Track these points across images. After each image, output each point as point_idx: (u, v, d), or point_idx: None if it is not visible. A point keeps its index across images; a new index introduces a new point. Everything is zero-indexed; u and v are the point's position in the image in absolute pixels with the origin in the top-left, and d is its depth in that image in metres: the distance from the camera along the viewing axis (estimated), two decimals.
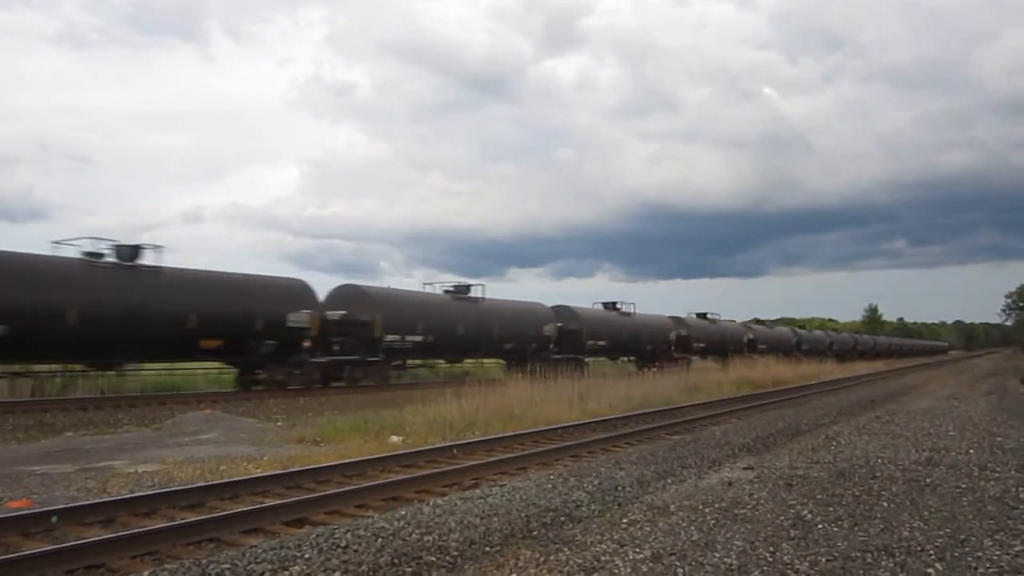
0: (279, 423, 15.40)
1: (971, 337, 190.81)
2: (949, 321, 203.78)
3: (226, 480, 8.45)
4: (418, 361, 28.75)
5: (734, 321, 50.90)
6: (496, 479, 8.89)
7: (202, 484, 8.18)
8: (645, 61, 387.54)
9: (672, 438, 12.76)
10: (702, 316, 47.05)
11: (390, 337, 24.70)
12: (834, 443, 10.89)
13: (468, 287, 30.14)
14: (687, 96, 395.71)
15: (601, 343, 36.91)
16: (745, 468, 9.01)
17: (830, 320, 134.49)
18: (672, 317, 42.64)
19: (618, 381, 22.48)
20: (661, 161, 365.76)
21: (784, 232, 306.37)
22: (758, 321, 73.71)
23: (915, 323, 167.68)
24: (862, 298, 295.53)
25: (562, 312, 35.04)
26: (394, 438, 12.55)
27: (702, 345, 44.27)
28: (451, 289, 29.96)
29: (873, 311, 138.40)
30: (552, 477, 8.23)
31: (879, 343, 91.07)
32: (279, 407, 18.12)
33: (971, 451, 9.88)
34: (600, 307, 39.56)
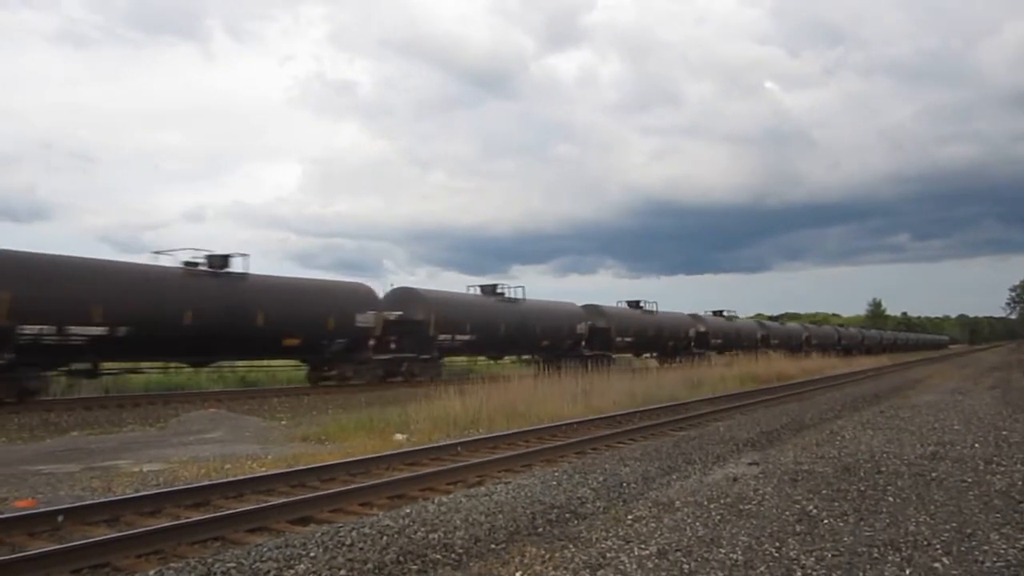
0: (283, 422, 15.42)
1: (975, 331, 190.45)
2: (953, 315, 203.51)
3: (231, 479, 8.46)
4: (463, 358, 31.23)
5: (741, 317, 54.17)
6: (501, 476, 8.89)
7: (207, 483, 8.19)
8: (646, 56, 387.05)
9: (676, 434, 12.75)
10: (718, 313, 49.37)
11: (442, 336, 26.80)
12: (839, 438, 10.86)
13: (495, 287, 32.06)
14: (689, 91, 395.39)
15: (628, 340, 39.19)
16: (750, 463, 8.99)
17: (833, 315, 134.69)
18: (691, 315, 44.72)
19: (622, 377, 22.48)
20: (663, 156, 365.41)
21: (787, 227, 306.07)
22: (771, 318, 75.11)
23: (919, 317, 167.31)
24: (865, 292, 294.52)
25: (592, 311, 37.36)
26: (398, 436, 12.55)
27: (719, 341, 46.12)
28: (492, 290, 31.71)
29: (877, 305, 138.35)
30: (557, 474, 8.22)
31: (884, 338, 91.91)
32: (283, 406, 18.14)
33: (976, 445, 9.85)
34: (625, 305, 41.69)
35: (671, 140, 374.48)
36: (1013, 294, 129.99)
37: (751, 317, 64.58)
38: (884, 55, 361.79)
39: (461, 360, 31.44)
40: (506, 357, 33.24)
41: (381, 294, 26.69)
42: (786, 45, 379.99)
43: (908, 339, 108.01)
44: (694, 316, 43.40)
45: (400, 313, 25.78)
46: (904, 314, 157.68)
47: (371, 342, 24.33)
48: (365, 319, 23.98)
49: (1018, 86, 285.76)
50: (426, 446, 11.00)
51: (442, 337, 26.76)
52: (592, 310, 36.79)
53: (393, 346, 25.25)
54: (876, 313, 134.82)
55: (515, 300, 31.93)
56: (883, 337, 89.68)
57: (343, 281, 25.89)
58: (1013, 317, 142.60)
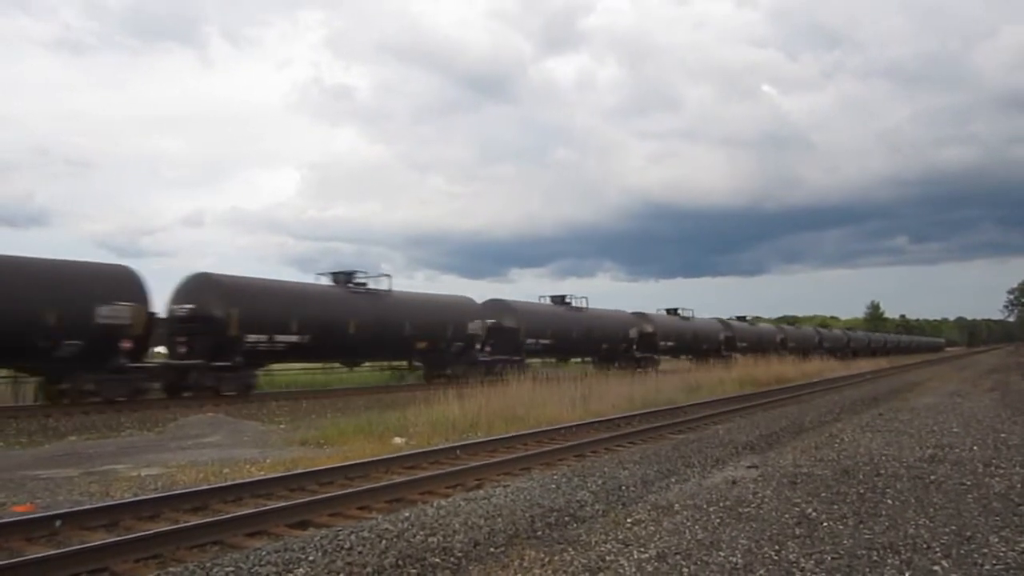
0: (282, 425, 15.40)
1: (973, 333, 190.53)
2: (951, 318, 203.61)
3: (229, 483, 8.45)
4: (537, 360, 33.56)
5: (765, 319, 53.66)
6: (500, 480, 8.88)
7: (205, 487, 8.17)
8: (645, 60, 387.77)
9: (675, 437, 12.74)
10: (672, 312, 45.36)
11: (529, 340, 31.10)
12: (838, 441, 10.86)
13: (563, 297, 35.77)
14: (687, 95, 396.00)
15: (670, 344, 41.71)
16: (749, 467, 8.99)
17: (832, 318, 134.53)
18: (635, 313, 40.90)
19: (620, 381, 22.48)
20: (662, 160, 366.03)
21: (785, 230, 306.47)
22: (788, 321, 76.35)
23: (917, 320, 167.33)
24: (864, 295, 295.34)
25: (640, 317, 40.20)
26: (397, 439, 12.54)
27: (671, 344, 42.49)
28: (561, 300, 35.55)
29: (875, 308, 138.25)
30: (556, 477, 8.21)
31: (874, 340, 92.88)
32: (282, 410, 18.14)
33: (975, 448, 9.85)
34: (664, 312, 44.21)
35: (669, 144, 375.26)
36: (1011, 296, 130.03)
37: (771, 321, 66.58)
38: (882, 58, 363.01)
39: (536, 361, 33.43)
40: (572, 359, 36.83)
41: None
42: (784, 48, 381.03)
43: (900, 342, 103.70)
44: (639, 314, 40.72)
45: (494, 321, 29.77)
46: (903, 317, 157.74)
47: (478, 346, 28.71)
48: (475, 326, 28.40)
49: (1016, 89, 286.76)
50: (425, 450, 10.98)
51: (529, 341, 31.03)
52: (640, 317, 40.26)
53: (488, 349, 29.21)
54: (875, 316, 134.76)
55: (581, 309, 35.88)
56: (871, 340, 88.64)
57: (455, 295, 30.43)
58: (1011, 319, 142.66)
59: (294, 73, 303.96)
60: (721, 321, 49.87)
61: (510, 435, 12.70)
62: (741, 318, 55.50)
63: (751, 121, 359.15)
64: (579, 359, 37.22)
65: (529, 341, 30.95)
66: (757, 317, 63.94)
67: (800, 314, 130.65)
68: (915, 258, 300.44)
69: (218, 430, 14.19)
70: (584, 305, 36.20)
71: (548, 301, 35.39)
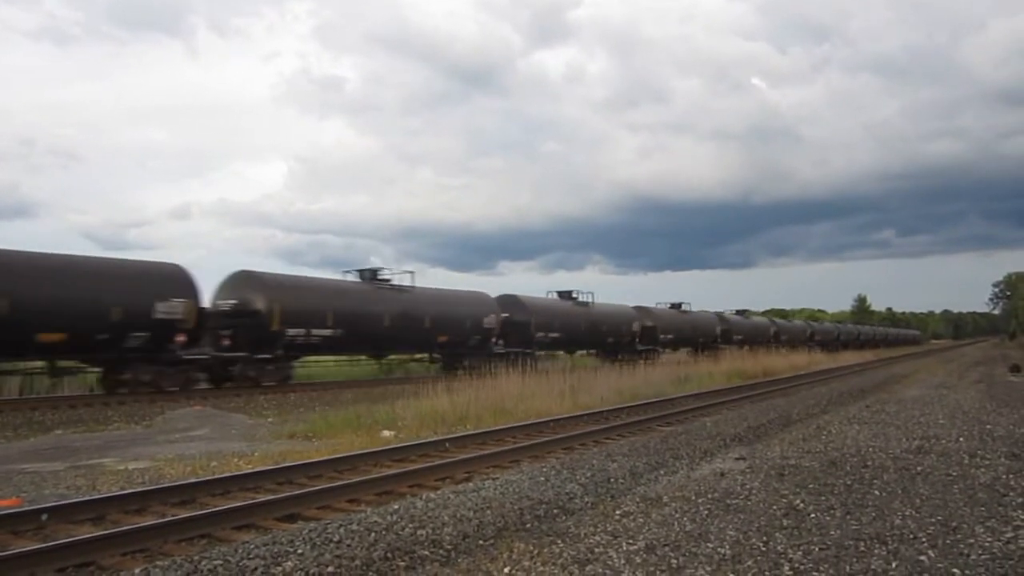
0: (270, 419, 15.34)
1: (959, 326, 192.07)
2: (937, 311, 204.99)
3: (217, 476, 8.41)
4: (542, 352, 34.29)
5: (707, 311, 53.09)
6: (489, 472, 8.88)
7: (193, 480, 8.14)
8: (633, 52, 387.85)
9: (664, 429, 12.78)
10: (675, 306, 47.40)
11: (539, 334, 32.77)
12: (825, 433, 10.93)
13: (571, 293, 37.36)
14: (676, 87, 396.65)
15: (670, 336, 43.09)
16: (737, 458, 9.03)
17: (819, 311, 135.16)
18: (637, 307, 42.47)
19: (609, 374, 22.54)
20: (650, 153, 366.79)
21: (773, 223, 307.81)
22: (777, 314, 77.14)
23: (903, 313, 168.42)
24: (851, 288, 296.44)
25: (642, 312, 41.80)
26: (386, 433, 12.52)
27: (670, 337, 43.85)
28: (568, 295, 37.24)
29: (862, 301, 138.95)
30: (545, 470, 8.22)
31: (877, 333, 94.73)
32: (270, 403, 18.07)
33: (961, 439, 9.93)
34: (667, 306, 46.19)
35: (658, 137, 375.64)
36: (996, 290, 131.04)
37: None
38: (870, 51, 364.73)
39: (541, 353, 34.77)
40: (579, 351, 38.63)
41: None
42: (773, 41, 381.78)
43: (887, 334, 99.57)
44: (640, 309, 42.45)
45: (507, 315, 31.23)
46: (889, 310, 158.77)
47: (493, 339, 30.26)
48: (490, 321, 29.92)
49: (1003, 83, 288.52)
50: (414, 442, 10.97)
51: (539, 334, 32.61)
52: (642, 311, 41.95)
53: (502, 342, 30.69)
54: (862, 309, 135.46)
55: (587, 304, 37.25)
56: (861, 332, 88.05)
57: (472, 291, 31.86)
58: (996, 312, 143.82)
59: (282, 64, 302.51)
60: (718, 315, 51.84)
61: (499, 428, 12.71)
62: (739, 312, 57.54)
63: (740, 114, 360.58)
64: (585, 351, 39.05)
65: (539, 334, 32.56)
66: (745, 310, 64.56)
67: (787, 307, 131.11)
68: (902, 251, 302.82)
69: (206, 424, 14.12)
70: (590, 300, 37.61)
71: (555, 296, 37.05)
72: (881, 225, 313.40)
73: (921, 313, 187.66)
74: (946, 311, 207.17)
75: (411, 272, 27.61)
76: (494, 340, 30.55)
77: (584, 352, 38.91)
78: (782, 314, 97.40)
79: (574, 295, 37.11)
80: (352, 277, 26.51)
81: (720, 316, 51.82)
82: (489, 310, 30.64)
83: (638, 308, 41.93)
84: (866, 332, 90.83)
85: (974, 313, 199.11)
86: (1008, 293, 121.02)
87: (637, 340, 40.18)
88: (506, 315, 31.22)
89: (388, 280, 26.98)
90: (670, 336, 43.85)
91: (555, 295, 36.93)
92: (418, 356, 29.33)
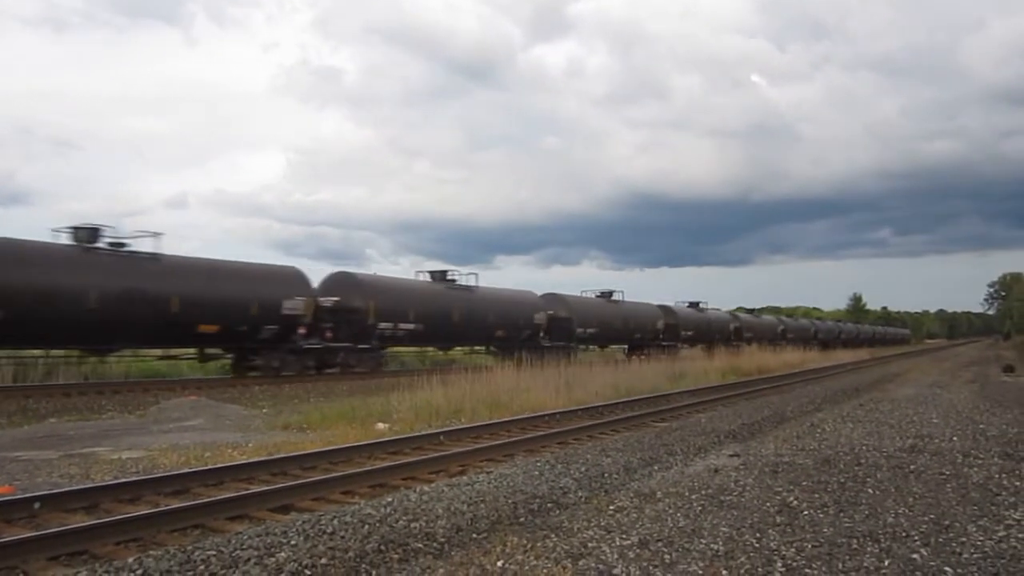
0: (265, 410, 15.33)
1: (954, 326, 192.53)
2: (932, 310, 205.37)
3: (211, 467, 8.40)
4: (582, 347, 37.60)
5: (720, 310, 56.11)
6: (483, 466, 8.88)
7: (187, 470, 8.13)
8: (634, 48, 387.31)
9: (658, 425, 12.79)
10: (693, 305, 50.43)
11: (579, 329, 35.80)
12: (819, 430, 10.95)
13: (611, 293, 40.76)
14: (676, 84, 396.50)
15: (689, 333, 46.36)
16: (731, 455, 9.05)
17: (815, 309, 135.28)
18: (660, 305, 45.62)
19: (604, 369, 22.55)
20: (650, 149, 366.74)
21: (771, 221, 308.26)
22: (783, 313, 78.34)
23: (899, 312, 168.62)
24: (847, 286, 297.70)
25: (665, 310, 45.01)
26: (380, 425, 12.52)
27: (690, 333, 46.92)
28: (603, 293, 40.54)
29: (857, 300, 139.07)
30: (539, 464, 8.23)
31: (820, 329, 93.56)
32: (265, 394, 18.05)
33: (954, 438, 9.96)
34: (686, 305, 49.13)
35: (658, 133, 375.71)
36: (991, 290, 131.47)
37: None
38: (870, 50, 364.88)
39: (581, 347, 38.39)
40: (611, 346, 41.51)
41: None
42: (773, 39, 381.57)
43: (860, 332, 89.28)
44: (664, 307, 45.67)
45: (551, 312, 34.05)
46: (884, 309, 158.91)
47: (541, 333, 32.94)
48: (539, 317, 33.02)
49: (1003, 83, 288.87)
50: (408, 435, 10.96)
51: (579, 330, 35.75)
52: (666, 309, 45.18)
53: (547, 336, 33.48)
54: (857, 307, 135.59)
55: (619, 302, 40.83)
56: (860, 331, 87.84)
57: (522, 290, 35.14)
58: (991, 313, 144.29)
59: (281, 55, 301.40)
60: (731, 313, 56.27)
61: (494, 421, 12.70)
62: (749, 310, 62.37)
63: (739, 111, 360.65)
64: (616, 346, 42.19)
65: (580, 330, 35.82)
66: (754, 309, 66.72)
67: (783, 305, 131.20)
68: (898, 250, 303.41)
69: (200, 414, 14.10)
70: (621, 299, 40.94)
71: (590, 295, 40.12)
72: (878, 224, 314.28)
73: (916, 312, 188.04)
74: (941, 311, 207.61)
75: (475, 273, 31.05)
76: (541, 335, 33.79)
77: (615, 347, 41.68)
78: (778, 311, 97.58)
79: (608, 293, 40.49)
80: (424, 277, 30.07)
81: (733, 314, 55.67)
82: (538, 308, 34.07)
83: (662, 306, 45.13)
84: (865, 331, 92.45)
85: (969, 313, 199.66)
86: (1003, 293, 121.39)
87: (661, 336, 43.35)
88: (551, 312, 34.34)
89: (455, 280, 30.29)
90: (690, 332, 47.20)
91: (590, 293, 40.21)
92: (477, 348, 32.43)
